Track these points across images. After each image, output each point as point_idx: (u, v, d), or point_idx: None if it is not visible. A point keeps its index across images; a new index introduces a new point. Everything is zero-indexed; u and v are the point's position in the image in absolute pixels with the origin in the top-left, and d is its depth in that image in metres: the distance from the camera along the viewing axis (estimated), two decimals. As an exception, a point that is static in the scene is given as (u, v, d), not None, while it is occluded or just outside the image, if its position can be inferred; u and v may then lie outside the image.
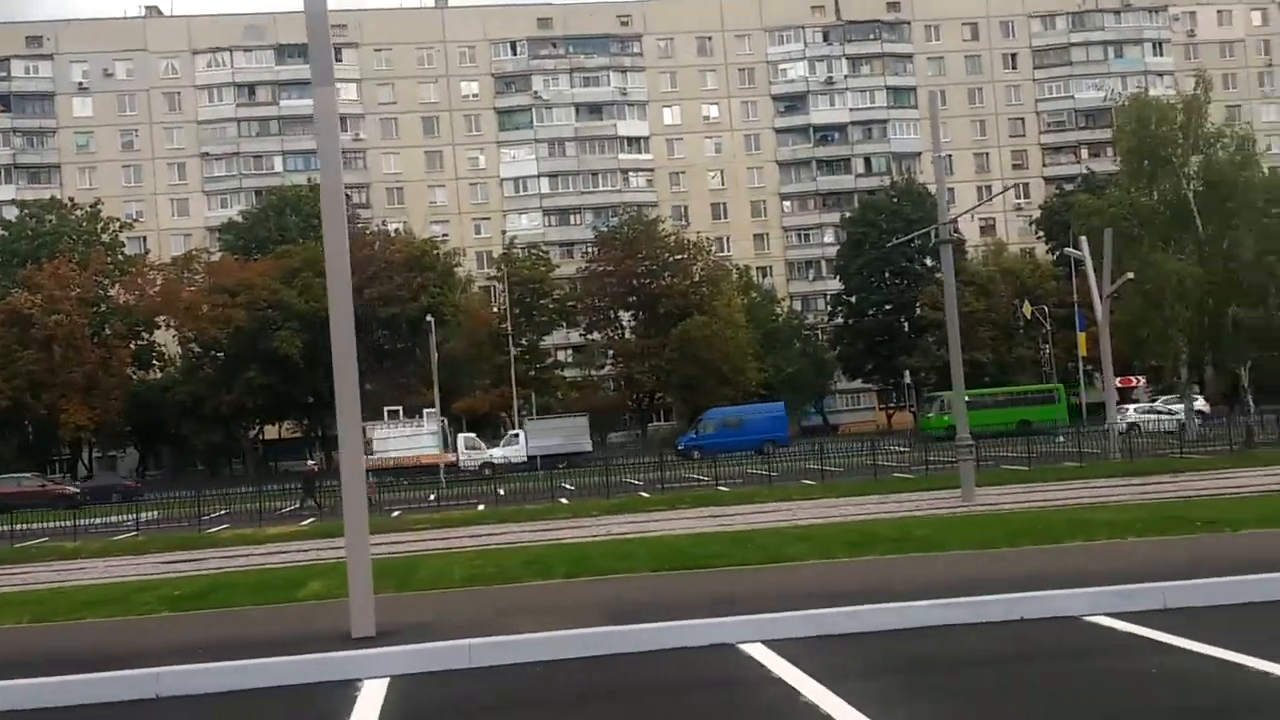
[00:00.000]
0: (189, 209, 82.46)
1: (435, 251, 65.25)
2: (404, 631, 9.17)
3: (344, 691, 7.84)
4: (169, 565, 21.91)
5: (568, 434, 54.37)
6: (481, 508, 32.99)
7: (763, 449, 46.96)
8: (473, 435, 55.22)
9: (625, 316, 66.45)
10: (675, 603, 9.85)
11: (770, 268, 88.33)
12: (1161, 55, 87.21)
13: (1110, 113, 59.31)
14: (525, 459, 51.38)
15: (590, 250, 70.00)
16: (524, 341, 63.87)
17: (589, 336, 69.34)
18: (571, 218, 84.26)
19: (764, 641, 8.51)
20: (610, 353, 67.80)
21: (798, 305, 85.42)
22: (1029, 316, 56.59)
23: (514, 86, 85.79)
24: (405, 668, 8.31)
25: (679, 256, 64.92)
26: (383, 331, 60.96)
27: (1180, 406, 46.71)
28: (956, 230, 79.96)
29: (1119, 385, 65.63)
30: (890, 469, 36.63)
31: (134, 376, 62.92)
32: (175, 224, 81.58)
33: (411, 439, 48.99)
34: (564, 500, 33.07)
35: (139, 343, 63.04)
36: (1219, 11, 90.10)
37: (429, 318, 48.55)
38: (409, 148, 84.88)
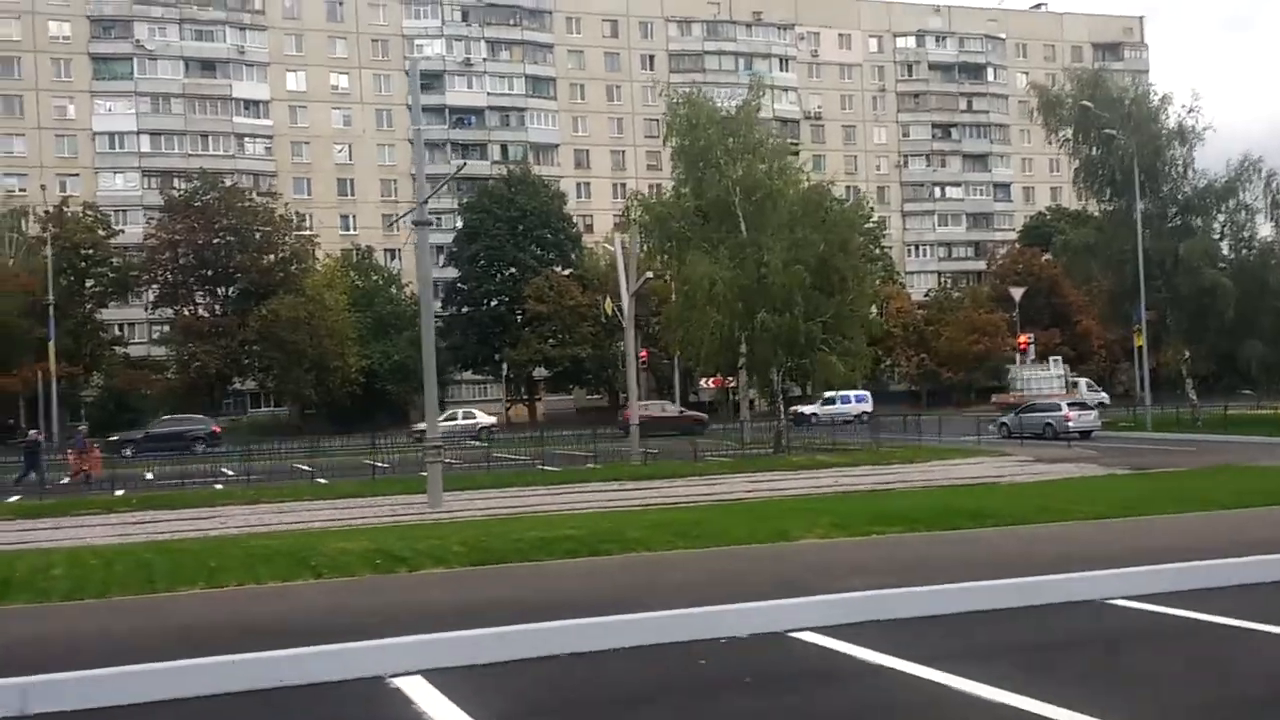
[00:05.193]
0: None
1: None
2: None
3: None
4: None
5: None
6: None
7: None
8: (1087, 380, 62.04)
9: (201, 293, 60.68)
10: None
11: (399, 250, 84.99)
12: (787, 71, 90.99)
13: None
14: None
15: (160, 217, 63.35)
16: (77, 314, 56.87)
17: (159, 311, 62.92)
18: (176, 181, 76.92)
19: None
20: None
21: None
22: (609, 313, 56.40)
23: (113, 32, 77.34)
24: None
25: (265, 229, 59.85)
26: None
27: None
28: (577, 224, 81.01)
29: (711, 385, 68.04)
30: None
31: None
32: None
33: (1043, 380, 56.56)
34: None
35: None
36: (840, 35, 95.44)
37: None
38: (-18, 89, 74.88)
